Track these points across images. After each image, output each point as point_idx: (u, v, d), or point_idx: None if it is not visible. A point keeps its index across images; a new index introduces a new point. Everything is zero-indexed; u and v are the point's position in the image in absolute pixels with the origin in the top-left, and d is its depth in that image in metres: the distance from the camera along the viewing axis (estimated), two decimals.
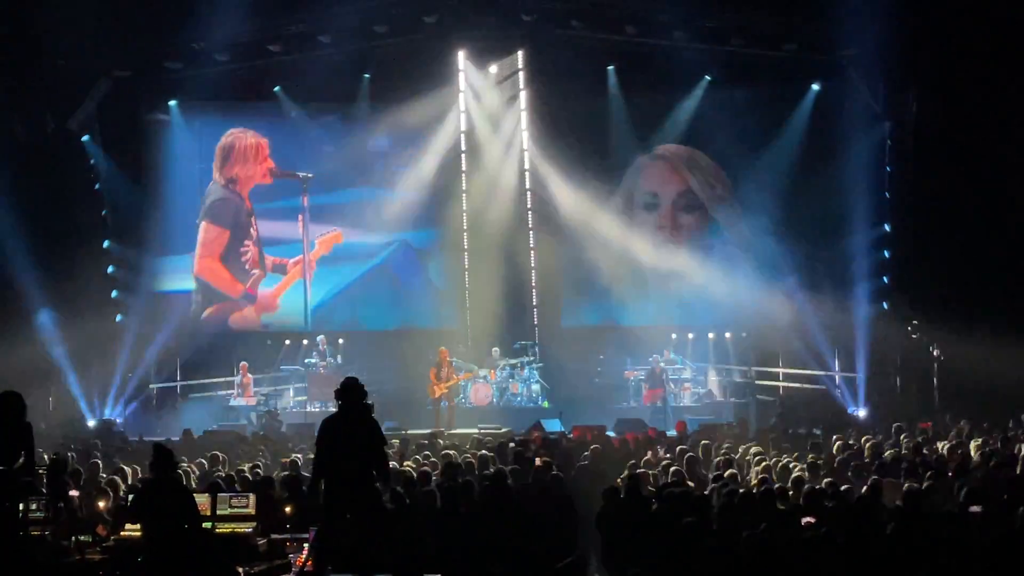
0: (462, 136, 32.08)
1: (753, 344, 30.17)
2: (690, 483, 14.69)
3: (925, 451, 17.93)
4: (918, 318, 28.75)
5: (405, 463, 16.95)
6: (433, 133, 31.95)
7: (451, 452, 17.61)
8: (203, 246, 31.53)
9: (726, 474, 14.84)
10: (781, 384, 29.99)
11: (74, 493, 14.65)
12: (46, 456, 16.81)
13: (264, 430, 25.19)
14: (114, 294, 30.36)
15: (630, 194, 31.92)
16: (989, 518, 11.78)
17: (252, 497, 13.92)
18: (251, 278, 31.69)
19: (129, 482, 16.05)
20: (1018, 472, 15.38)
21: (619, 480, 14.66)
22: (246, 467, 17.23)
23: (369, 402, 12.52)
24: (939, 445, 19.02)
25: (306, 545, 12.71)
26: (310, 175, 31.47)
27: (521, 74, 31.88)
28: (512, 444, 18.58)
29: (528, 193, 32.28)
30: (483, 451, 18.31)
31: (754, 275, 30.42)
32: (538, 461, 16.28)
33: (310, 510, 13.05)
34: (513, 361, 30.35)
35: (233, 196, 31.57)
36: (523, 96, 31.95)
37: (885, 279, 29.55)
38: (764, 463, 15.80)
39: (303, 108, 31.48)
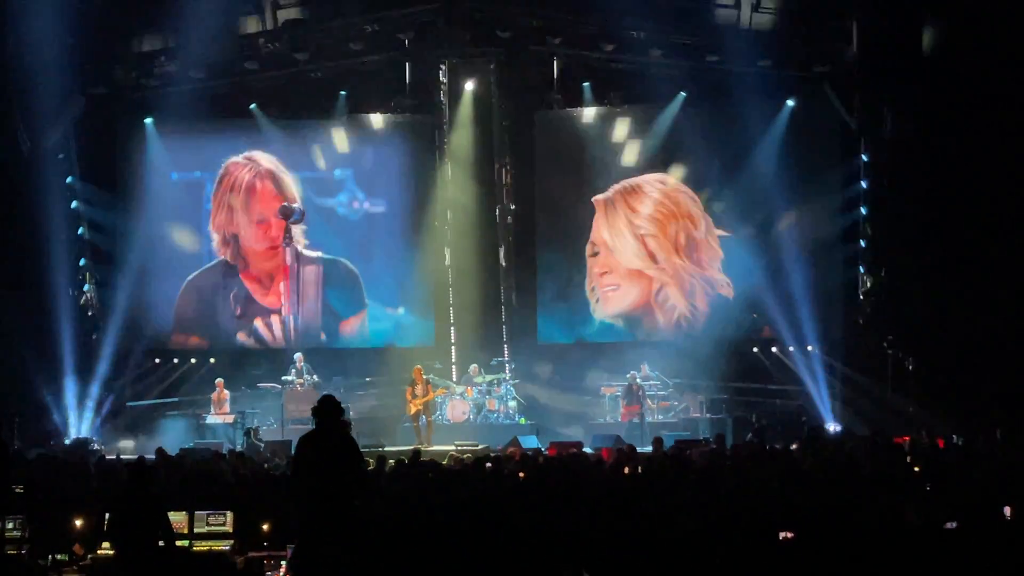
0: (438, 152, 32.18)
1: (730, 359, 30.19)
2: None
3: (901, 466, 17.96)
4: (895, 334, 28.82)
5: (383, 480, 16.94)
6: (409, 150, 32.02)
7: (428, 469, 17.61)
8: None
9: (702, 489, 14.85)
10: (757, 400, 29.98)
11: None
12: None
13: (246, 448, 25.15)
14: (90, 312, 30.28)
15: (620, 215, 31.74)
16: (966, 533, 11.80)
17: (230, 515, 13.91)
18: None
19: (105, 500, 15.99)
20: (995, 487, 15.40)
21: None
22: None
23: (347, 419, 12.51)
24: (914, 460, 19.07)
25: (284, 563, 12.69)
26: (295, 206, 31.61)
27: (498, 90, 32.00)
28: (489, 463, 18.58)
29: (507, 209, 32.39)
30: (461, 467, 18.34)
31: (730, 289, 30.53)
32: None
33: (288, 527, 13.04)
34: (490, 378, 30.33)
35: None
36: (499, 112, 32.07)
37: (861, 295, 29.62)
38: (739, 478, 15.81)
39: (279, 126, 31.48)
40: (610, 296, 31.74)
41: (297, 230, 31.79)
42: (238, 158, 31.83)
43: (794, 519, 12.72)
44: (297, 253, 31.85)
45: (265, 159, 31.83)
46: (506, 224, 32.49)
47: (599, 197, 31.56)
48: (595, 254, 31.70)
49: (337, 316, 32.18)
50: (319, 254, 32.00)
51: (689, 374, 30.12)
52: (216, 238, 31.83)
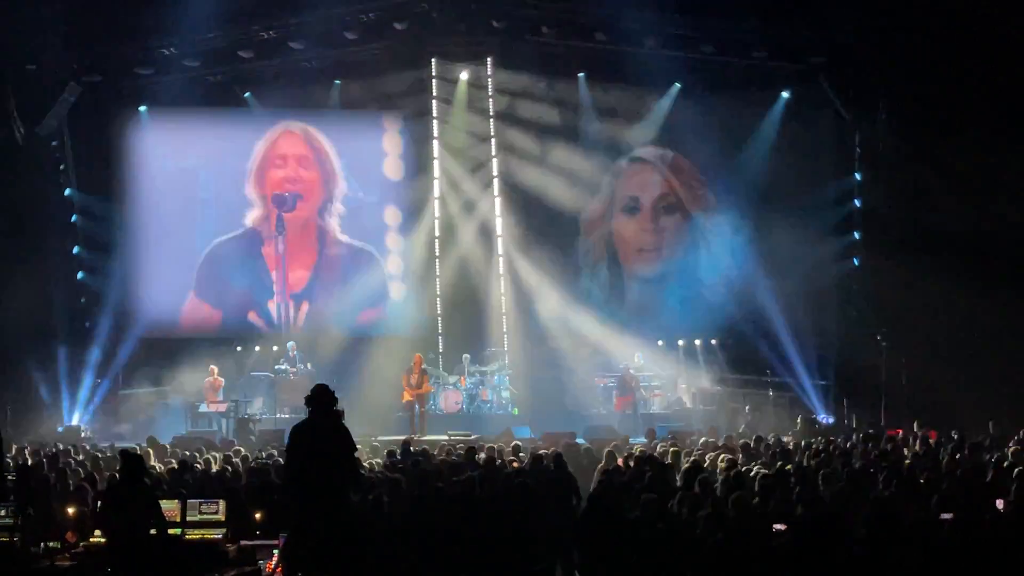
0: (432, 142, 32.17)
1: (723, 351, 30.21)
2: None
3: (895, 458, 17.96)
4: (887, 326, 28.82)
5: (376, 469, 16.94)
6: (403, 140, 32.02)
7: (420, 459, 17.60)
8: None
9: (695, 482, 14.83)
10: (750, 391, 29.98)
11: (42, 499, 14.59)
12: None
13: (237, 437, 25.14)
14: (83, 300, 30.24)
15: (609, 199, 31.96)
16: (960, 525, 11.80)
17: (222, 503, 13.89)
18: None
19: (98, 488, 15.98)
20: (988, 480, 15.40)
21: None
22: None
23: (339, 408, 12.47)
24: (908, 452, 19.09)
25: (276, 551, 12.68)
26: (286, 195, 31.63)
27: (491, 80, 32.01)
28: (481, 453, 18.58)
29: (499, 198, 32.41)
30: (453, 457, 18.36)
31: (724, 280, 30.57)
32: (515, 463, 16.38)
33: (280, 516, 13.02)
34: (483, 368, 30.36)
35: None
36: (493, 102, 32.06)
37: (855, 286, 29.63)
38: (733, 470, 15.79)
39: (274, 114, 31.47)
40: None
41: (333, 219, 31.88)
42: (289, 124, 32.03)
43: (787, 511, 12.73)
44: (325, 237, 32.04)
45: (315, 131, 32.10)
46: (500, 214, 32.48)
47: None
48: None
49: (356, 306, 32.19)
50: (346, 239, 32.04)
51: (683, 365, 30.14)
52: (255, 199, 31.93)
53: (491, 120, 32.32)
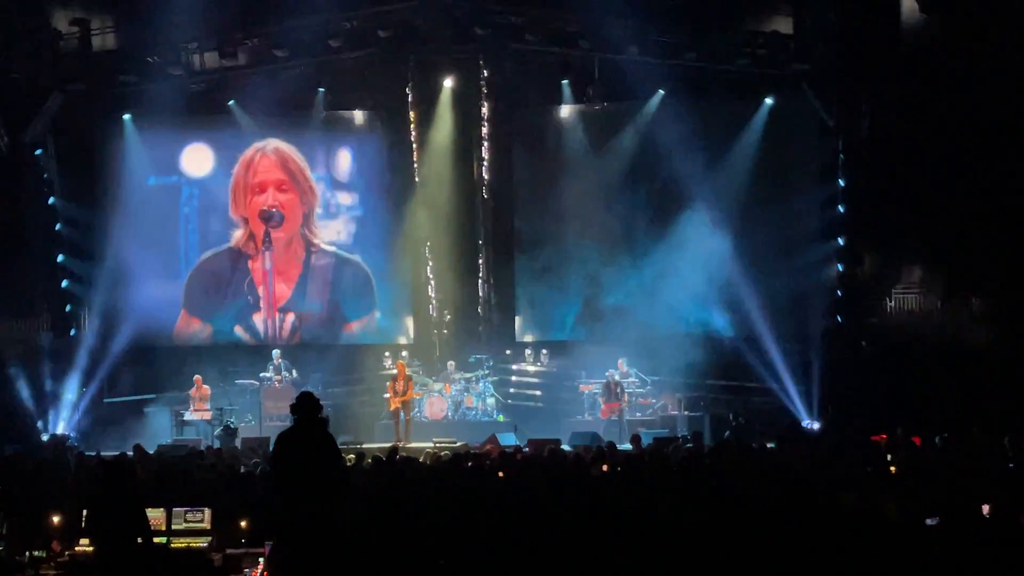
0: (416, 151, 32.10)
1: (707, 357, 30.17)
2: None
3: (879, 463, 17.99)
4: (872, 331, 28.87)
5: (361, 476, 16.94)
6: (387, 149, 32.00)
7: (406, 466, 17.61)
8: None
9: (680, 487, 14.85)
10: (735, 397, 29.97)
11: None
12: None
13: (222, 445, 25.12)
14: (68, 308, 30.19)
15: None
16: (945, 530, 11.83)
17: (207, 511, 13.90)
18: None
19: (83, 497, 15.97)
20: (973, 485, 15.43)
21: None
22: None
23: (324, 416, 12.50)
24: (893, 457, 19.11)
25: (262, 560, 12.68)
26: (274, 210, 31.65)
27: (475, 87, 31.98)
28: (470, 463, 18.57)
29: (484, 205, 32.38)
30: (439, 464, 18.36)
31: (708, 287, 30.53)
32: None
33: (266, 524, 13.03)
34: (468, 375, 30.31)
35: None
36: (478, 109, 32.05)
37: (839, 292, 29.66)
38: (718, 475, 15.82)
39: (257, 122, 31.40)
40: None
41: (318, 231, 31.95)
42: (261, 144, 31.92)
43: (772, 516, 12.74)
44: (310, 249, 31.99)
45: (286, 147, 32.01)
46: (484, 222, 32.47)
47: None
48: None
49: (343, 318, 32.24)
50: (333, 249, 32.04)
51: (667, 371, 30.11)
52: (238, 220, 31.92)
53: (475, 126, 32.28)
